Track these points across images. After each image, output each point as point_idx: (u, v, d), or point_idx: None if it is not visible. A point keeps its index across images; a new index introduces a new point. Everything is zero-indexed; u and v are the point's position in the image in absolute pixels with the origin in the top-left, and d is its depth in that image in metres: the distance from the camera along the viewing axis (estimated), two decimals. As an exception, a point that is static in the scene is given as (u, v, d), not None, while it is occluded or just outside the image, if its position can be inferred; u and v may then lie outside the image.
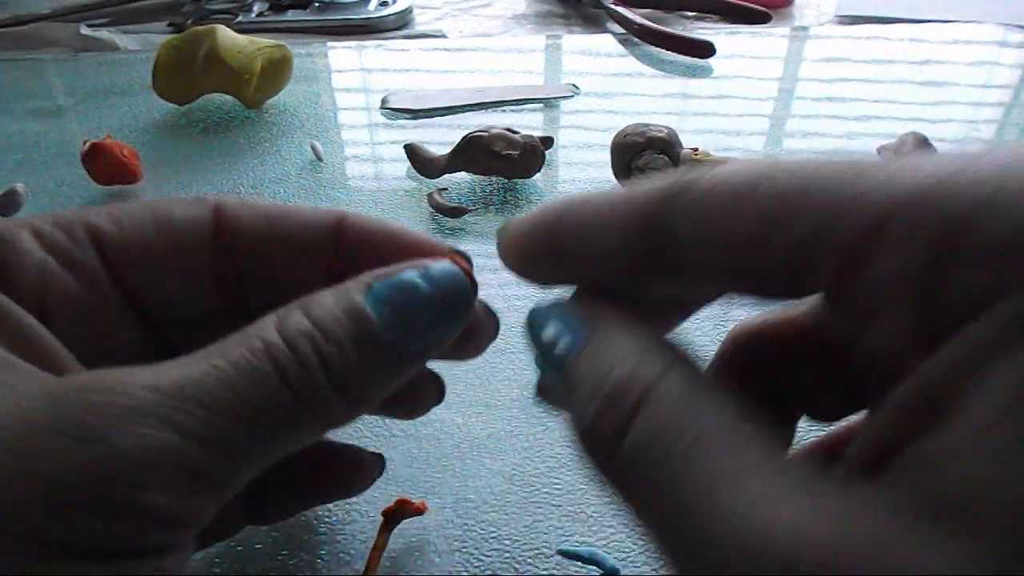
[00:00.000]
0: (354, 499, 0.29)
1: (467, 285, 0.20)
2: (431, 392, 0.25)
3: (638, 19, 0.71)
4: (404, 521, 0.28)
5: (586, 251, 0.18)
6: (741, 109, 0.60)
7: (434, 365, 0.23)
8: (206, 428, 0.16)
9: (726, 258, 0.16)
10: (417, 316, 0.18)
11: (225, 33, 0.57)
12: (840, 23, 0.77)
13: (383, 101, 0.60)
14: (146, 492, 0.15)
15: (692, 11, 0.79)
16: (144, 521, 0.15)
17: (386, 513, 0.27)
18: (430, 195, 0.47)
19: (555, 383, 0.18)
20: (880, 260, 0.14)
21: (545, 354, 0.18)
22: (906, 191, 0.13)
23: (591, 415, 0.16)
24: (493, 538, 0.28)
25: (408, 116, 0.59)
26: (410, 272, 0.19)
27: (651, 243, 0.17)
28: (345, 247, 0.22)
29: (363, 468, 0.26)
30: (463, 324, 0.20)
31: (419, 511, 0.28)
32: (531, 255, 0.19)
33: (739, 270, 0.16)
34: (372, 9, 0.77)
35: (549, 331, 0.18)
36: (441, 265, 0.19)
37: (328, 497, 0.27)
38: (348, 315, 0.18)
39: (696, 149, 0.47)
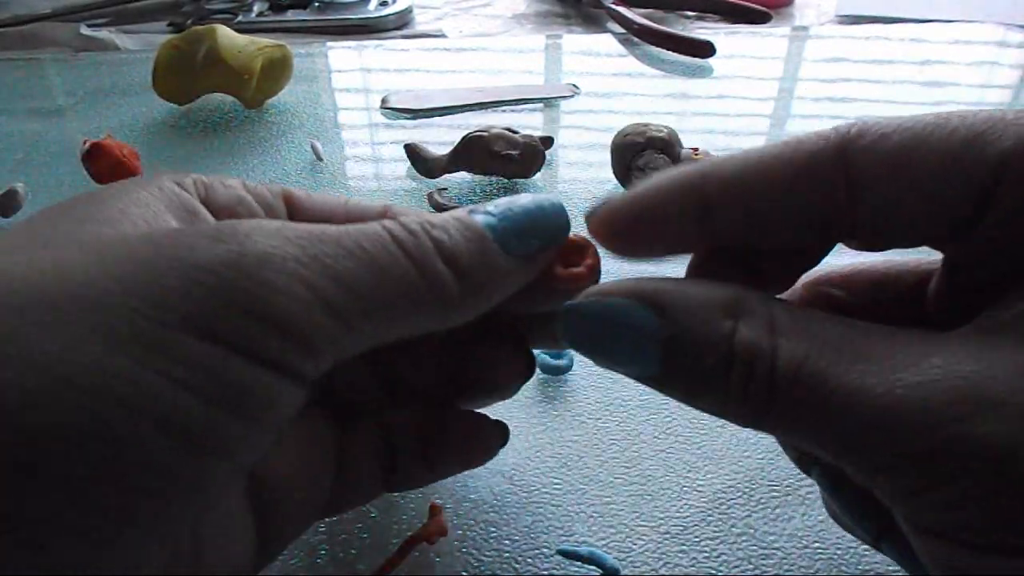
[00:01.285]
0: (354, 499, 0.29)
1: (564, 212, 0.22)
2: (495, 436, 0.26)
3: (638, 19, 0.71)
4: (407, 521, 0.28)
5: (740, 208, 0.19)
6: (741, 109, 0.60)
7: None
8: (338, 267, 0.17)
9: (908, 197, 0.17)
10: (519, 221, 0.20)
11: (225, 33, 0.57)
12: (840, 23, 0.77)
13: (383, 101, 0.60)
14: (275, 293, 0.16)
15: (692, 11, 0.79)
16: (268, 322, 0.16)
17: (414, 539, 0.27)
18: (430, 195, 0.47)
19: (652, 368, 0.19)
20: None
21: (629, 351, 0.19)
22: None
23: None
24: (493, 538, 0.28)
25: (408, 116, 0.59)
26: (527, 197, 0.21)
27: (822, 192, 0.18)
28: None
29: (486, 435, 0.26)
30: (560, 239, 0.22)
31: (442, 534, 0.28)
32: (663, 220, 0.20)
33: (922, 209, 0.17)
34: (372, 9, 0.77)
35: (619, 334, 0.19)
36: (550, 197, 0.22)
37: (456, 464, 0.27)
38: (457, 218, 0.20)
39: (696, 149, 0.47)
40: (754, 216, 0.19)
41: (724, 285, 0.19)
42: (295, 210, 0.23)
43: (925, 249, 0.20)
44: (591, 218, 0.21)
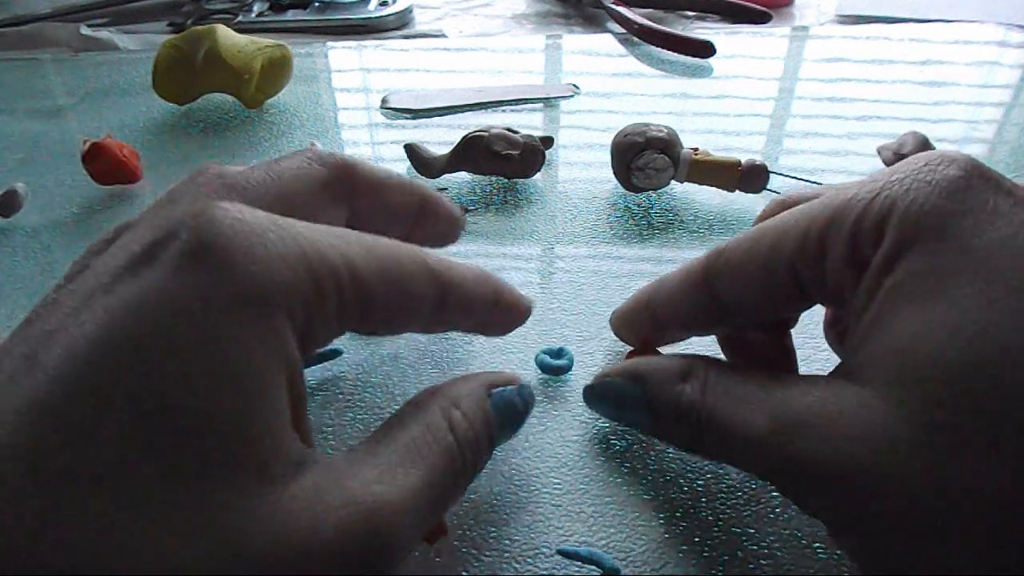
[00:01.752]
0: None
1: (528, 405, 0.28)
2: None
3: (638, 19, 0.71)
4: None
5: (671, 317, 0.29)
6: (741, 109, 0.60)
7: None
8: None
9: (751, 298, 0.26)
10: (509, 421, 0.27)
11: (225, 33, 0.57)
12: (840, 23, 0.77)
13: (383, 101, 0.60)
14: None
15: (692, 11, 0.79)
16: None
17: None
18: (430, 195, 0.47)
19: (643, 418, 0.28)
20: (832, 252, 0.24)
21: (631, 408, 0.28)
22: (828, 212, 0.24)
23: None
24: (493, 538, 0.28)
25: (408, 116, 0.59)
26: (512, 390, 0.27)
27: (705, 301, 0.27)
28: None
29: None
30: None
31: (442, 534, 0.28)
32: (636, 327, 0.31)
33: (762, 303, 0.26)
34: (372, 9, 0.77)
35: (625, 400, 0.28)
36: (524, 390, 0.27)
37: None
38: (484, 415, 0.25)
39: (696, 149, 0.47)
40: (669, 323, 0.29)
41: (685, 356, 0.27)
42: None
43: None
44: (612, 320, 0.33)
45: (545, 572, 0.27)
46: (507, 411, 0.26)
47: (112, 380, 0.17)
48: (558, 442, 0.32)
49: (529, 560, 0.27)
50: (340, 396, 0.34)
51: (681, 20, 0.78)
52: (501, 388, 0.26)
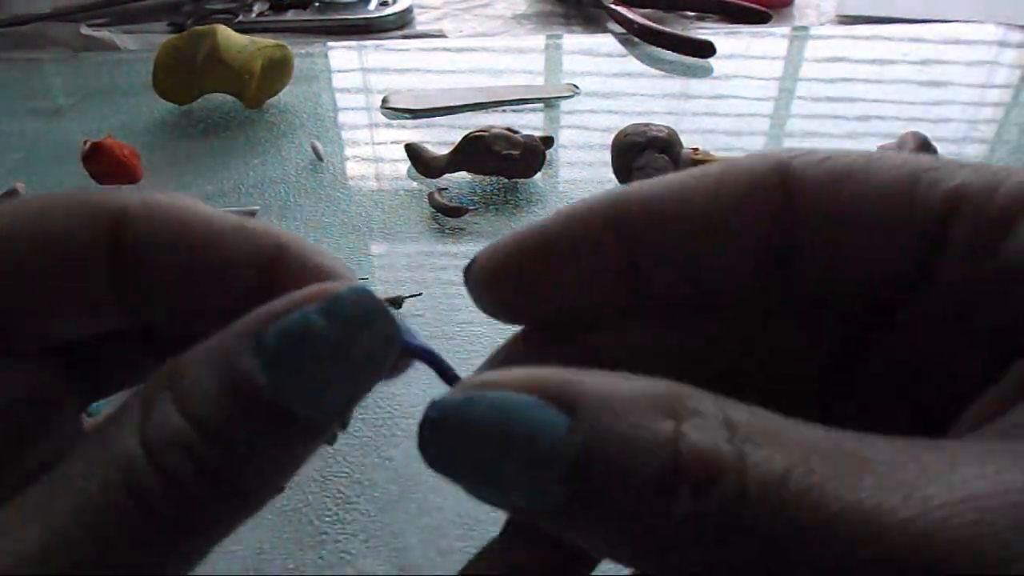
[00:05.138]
0: (355, 499, 0.29)
1: (386, 314, 0.14)
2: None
3: (638, 19, 0.71)
4: (407, 520, 0.28)
5: (669, 233, 0.15)
6: (741, 109, 0.60)
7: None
8: None
9: (854, 228, 0.15)
10: (324, 371, 0.13)
11: (225, 33, 0.57)
12: (840, 23, 0.77)
13: (383, 101, 0.60)
14: None
15: (692, 11, 0.79)
16: None
17: None
18: (430, 195, 0.47)
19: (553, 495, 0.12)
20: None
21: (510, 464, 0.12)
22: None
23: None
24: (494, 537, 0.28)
25: (408, 116, 0.59)
26: (310, 309, 0.13)
27: (764, 209, 0.15)
28: (280, 281, 0.16)
29: None
30: (387, 368, 0.14)
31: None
32: (573, 252, 0.15)
33: (869, 246, 0.15)
34: (372, 9, 0.77)
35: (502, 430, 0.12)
36: (350, 290, 0.14)
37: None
38: (233, 394, 0.13)
39: (696, 149, 0.47)
40: (686, 241, 0.15)
41: (651, 377, 0.13)
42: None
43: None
44: (473, 269, 0.16)
45: (545, 572, 0.27)
46: (303, 351, 0.13)
47: None
48: (558, 442, 0.31)
49: (529, 560, 0.27)
50: (340, 396, 0.34)
51: (681, 20, 0.78)
52: (284, 316, 0.14)
